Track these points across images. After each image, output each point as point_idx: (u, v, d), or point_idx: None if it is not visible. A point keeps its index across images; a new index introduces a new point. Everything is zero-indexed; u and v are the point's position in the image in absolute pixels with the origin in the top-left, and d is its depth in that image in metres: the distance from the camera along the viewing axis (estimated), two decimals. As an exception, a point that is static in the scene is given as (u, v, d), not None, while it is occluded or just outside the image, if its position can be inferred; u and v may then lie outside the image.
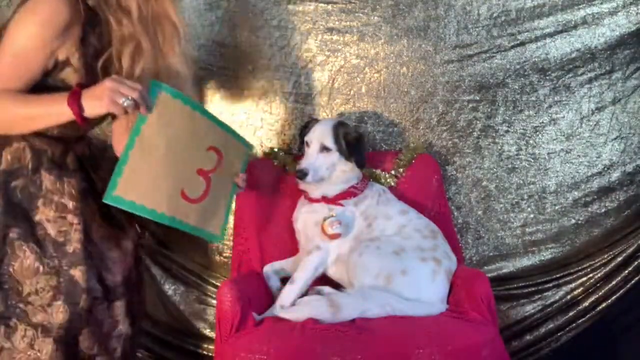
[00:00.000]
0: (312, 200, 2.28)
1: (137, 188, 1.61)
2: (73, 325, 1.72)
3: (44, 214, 1.69)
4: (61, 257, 1.70)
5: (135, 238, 1.97)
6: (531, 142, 2.64)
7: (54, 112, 1.58)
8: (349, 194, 2.26)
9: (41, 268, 1.67)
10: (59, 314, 1.69)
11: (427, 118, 2.65)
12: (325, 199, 2.25)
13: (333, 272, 2.23)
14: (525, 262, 2.67)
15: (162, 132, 1.66)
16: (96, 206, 1.78)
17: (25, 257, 1.66)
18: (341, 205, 2.24)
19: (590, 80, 2.60)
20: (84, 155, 1.85)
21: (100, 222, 1.81)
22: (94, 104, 1.55)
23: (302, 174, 2.19)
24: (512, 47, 2.58)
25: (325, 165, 2.22)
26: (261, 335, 1.87)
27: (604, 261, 2.57)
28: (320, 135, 2.25)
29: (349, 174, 2.26)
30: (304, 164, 2.22)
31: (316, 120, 2.36)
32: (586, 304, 2.58)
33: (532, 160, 2.65)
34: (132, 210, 1.62)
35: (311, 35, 2.64)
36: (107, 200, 1.58)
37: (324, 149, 2.23)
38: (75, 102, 1.54)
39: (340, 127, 2.26)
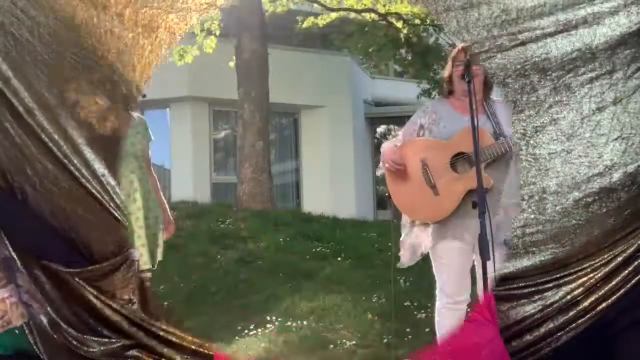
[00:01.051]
0: None
1: None
2: None
3: None
4: None
5: None
6: (531, 142, 2.63)
7: None
8: None
9: None
10: None
11: (428, 118, 2.65)
12: None
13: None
14: (525, 262, 2.66)
15: None
16: None
17: None
18: None
19: (591, 80, 2.59)
20: None
21: None
22: None
23: None
24: (513, 46, 2.58)
25: None
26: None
27: (604, 261, 2.56)
28: None
29: None
30: None
31: None
32: (586, 304, 2.57)
33: (533, 161, 2.64)
34: None
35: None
36: None
37: None
38: None
39: None
